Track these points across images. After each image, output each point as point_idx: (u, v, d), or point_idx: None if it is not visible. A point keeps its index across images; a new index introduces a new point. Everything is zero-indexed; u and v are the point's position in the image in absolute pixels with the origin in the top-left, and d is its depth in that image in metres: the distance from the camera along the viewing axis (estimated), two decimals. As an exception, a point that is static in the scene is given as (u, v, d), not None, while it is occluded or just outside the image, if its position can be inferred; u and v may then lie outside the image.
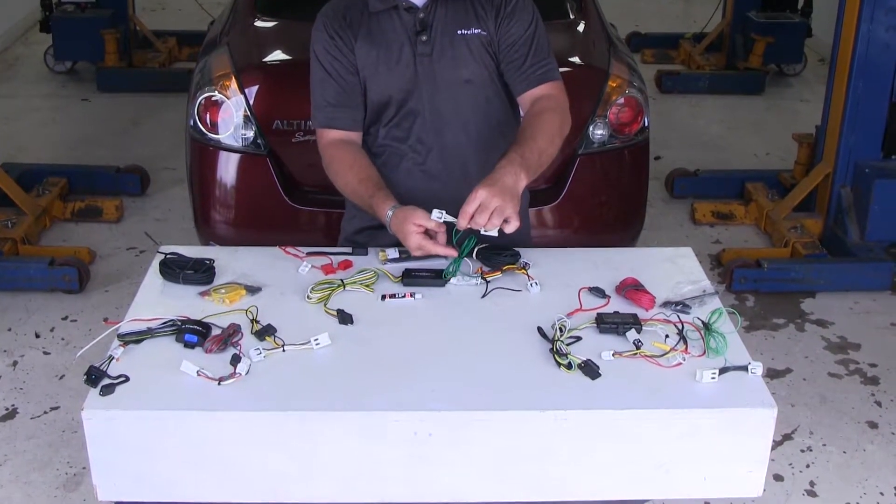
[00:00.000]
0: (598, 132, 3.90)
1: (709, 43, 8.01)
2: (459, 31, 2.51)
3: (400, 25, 2.50)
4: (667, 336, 2.06)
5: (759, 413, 1.89)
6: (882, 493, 3.33)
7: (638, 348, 2.03)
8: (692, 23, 8.59)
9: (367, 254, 2.41)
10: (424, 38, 2.49)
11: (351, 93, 2.54)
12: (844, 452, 3.54)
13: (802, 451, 3.54)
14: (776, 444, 3.54)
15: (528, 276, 2.30)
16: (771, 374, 3.97)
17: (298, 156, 3.77)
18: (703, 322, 2.08)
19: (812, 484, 3.37)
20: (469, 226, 2.21)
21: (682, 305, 2.19)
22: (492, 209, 2.18)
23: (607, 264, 2.39)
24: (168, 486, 1.91)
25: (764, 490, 1.96)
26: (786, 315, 4.45)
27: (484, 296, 2.23)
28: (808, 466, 3.46)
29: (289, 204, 3.77)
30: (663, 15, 9.55)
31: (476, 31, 2.51)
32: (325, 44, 2.52)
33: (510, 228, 2.23)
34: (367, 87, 2.55)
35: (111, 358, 1.96)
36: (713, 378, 1.94)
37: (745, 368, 1.97)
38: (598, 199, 4.02)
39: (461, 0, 2.52)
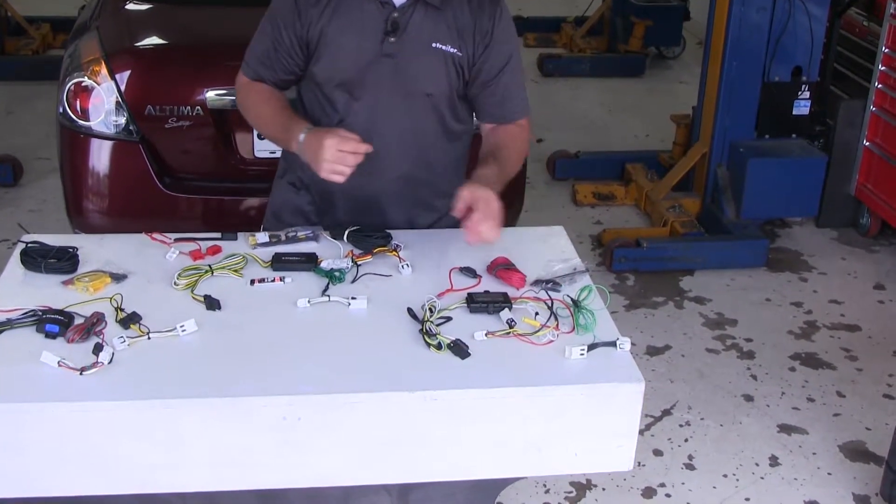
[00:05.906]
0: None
1: (590, 26, 8.11)
2: (434, 44, 2.36)
3: (370, 17, 2.35)
4: (537, 314, 2.07)
5: (627, 388, 1.91)
6: (757, 464, 3.42)
7: (511, 327, 2.03)
8: (574, 7, 8.68)
9: (236, 239, 2.36)
10: (393, 39, 2.34)
11: (283, 61, 2.42)
12: (721, 426, 3.63)
13: (681, 425, 3.61)
14: (655, 420, 3.60)
15: (400, 258, 2.28)
16: (650, 352, 4.04)
17: (172, 142, 3.70)
18: (572, 299, 2.09)
19: (690, 457, 3.44)
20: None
21: (552, 283, 2.19)
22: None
23: (480, 245, 2.38)
24: (30, 482, 1.85)
25: (643, 465, 1.99)
26: (665, 293, 4.53)
27: (354, 280, 2.21)
28: (686, 440, 3.53)
29: (163, 191, 3.70)
30: (546, -1, 9.63)
31: (451, 49, 2.37)
32: (285, 7, 2.38)
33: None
34: (316, 66, 2.40)
35: (-33, 351, 1.89)
36: (582, 354, 1.95)
37: (613, 344, 1.99)
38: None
39: (442, 12, 2.36)
